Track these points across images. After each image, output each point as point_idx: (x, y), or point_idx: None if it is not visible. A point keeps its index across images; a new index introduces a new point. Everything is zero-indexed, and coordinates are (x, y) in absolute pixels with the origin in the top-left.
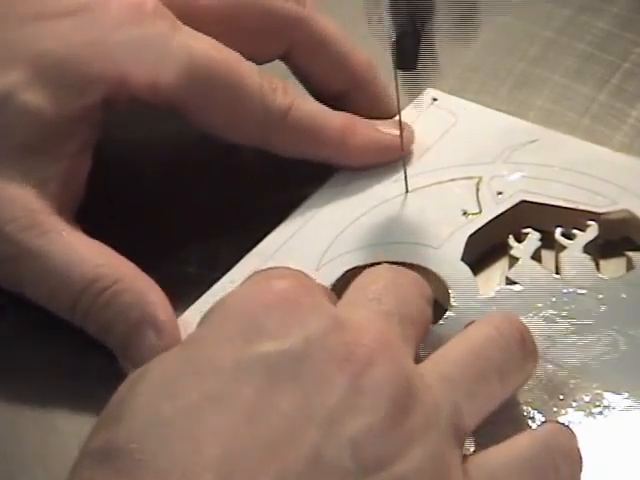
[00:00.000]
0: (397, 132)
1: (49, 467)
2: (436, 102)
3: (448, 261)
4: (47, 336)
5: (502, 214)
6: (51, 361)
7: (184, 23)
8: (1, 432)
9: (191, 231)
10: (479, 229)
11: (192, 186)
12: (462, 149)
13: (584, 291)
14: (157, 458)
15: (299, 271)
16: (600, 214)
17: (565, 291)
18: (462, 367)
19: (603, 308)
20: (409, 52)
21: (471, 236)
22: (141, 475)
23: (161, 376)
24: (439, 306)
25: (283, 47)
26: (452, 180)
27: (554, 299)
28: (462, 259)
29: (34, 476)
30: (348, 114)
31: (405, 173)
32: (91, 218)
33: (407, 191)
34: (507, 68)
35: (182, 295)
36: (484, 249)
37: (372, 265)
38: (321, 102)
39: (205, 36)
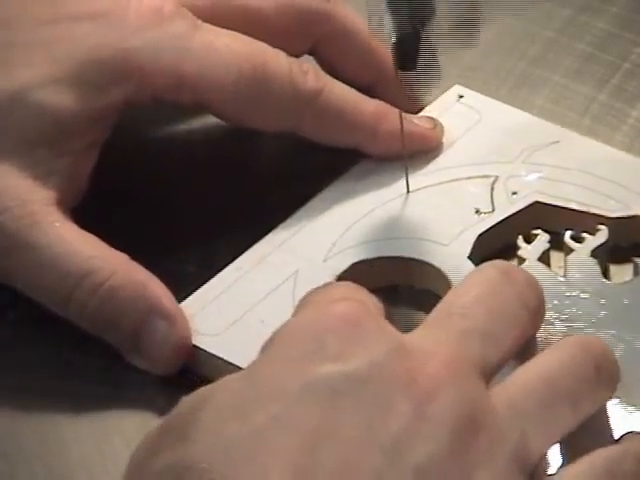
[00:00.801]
0: (429, 125)
1: (49, 467)
2: (462, 99)
3: (455, 259)
4: (47, 336)
5: (514, 214)
6: (51, 361)
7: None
8: (1, 432)
9: (191, 231)
10: (489, 228)
11: (192, 185)
12: (483, 147)
13: (587, 295)
14: (225, 479)
15: (356, 288)
16: (612, 219)
17: (568, 294)
18: (532, 395)
19: (603, 313)
20: (409, 53)
21: (481, 235)
22: None
23: (227, 399)
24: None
25: (309, 43)
26: (469, 178)
27: (556, 302)
28: (470, 258)
29: (34, 476)
30: (381, 102)
31: (406, 173)
32: (91, 217)
33: (408, 191)
34: (507, 68)
35: (182, 295)
36: (494, 249)
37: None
38: None
39: (227, 31)
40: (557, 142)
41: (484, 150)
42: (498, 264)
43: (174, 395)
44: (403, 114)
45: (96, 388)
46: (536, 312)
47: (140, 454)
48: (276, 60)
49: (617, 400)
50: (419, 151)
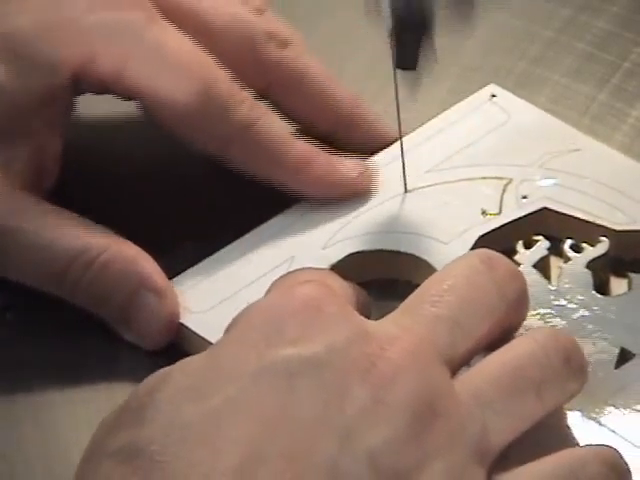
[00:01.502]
0: (356, 173)
1: (49, 467)
2: (494, 98)
3: (451, 258)
4: (47, 336)
5: (520, 219)
6: (51, 361)
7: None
8: (1, 432)
9: (191, 230)
10: (492, 230)
11: (193, 185)
12: (503, 149)
13: (574, 306)
14: (176, 461)
15: (327, 274)
16: (616, 231)
17: (556, 303)
18: (496, 384)
19: (589, 326)
20: (409, 52)
21: (482, 236)
22: (159, 476)
23: (184, 380)
24: None
25: (258, 84)
26: (483, 178)
27: (542, 310)
28: None
29: (34, 476)
30: (313, 146)
31: (404, 174)
32: (90, 217)
33: (406, 191)
34: (507, 68)
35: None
36: (497, 250)
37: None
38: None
39: (183, 35)
40: (578, 150)
41: (504, 152)
42: (481, 252)
43: None
44: (336, 157)
45: (96, 388)
46: (516, 304)
47: (98, 434)
48: (218, 80)
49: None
50: (340, 198)
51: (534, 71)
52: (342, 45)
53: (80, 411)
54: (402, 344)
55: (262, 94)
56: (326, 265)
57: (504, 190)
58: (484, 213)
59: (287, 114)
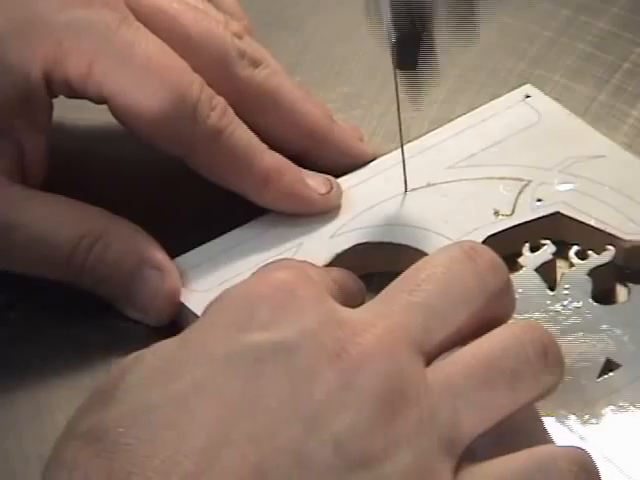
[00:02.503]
0: (324, 190)
1: None
2: (528, 99)
3: None
4: (47, 336)
5: (531, 221)
6: (51, 361)
7: None
8: (1, 431)
9: (190, 229)
10: (501, 231)
11: (192, 183)
12: (528, 150)
13: (568, 312)
14: (141, 444)
15: (306, 263)
16: (624, 241)
17: (551, 309)
18: (469, 374)
19: (579, 334)
20: (409, 52)
21: (490, 236)
22: (122, 459)
23: (153, 363)
24: None
25: (227, 100)
26: (501, 178)
27: (537, 314)
28: None
29: (34, 476)
30: (282, 158)
31: (405, 174)
32: None
33: (406, 190)
34: (507, 68)
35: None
36: (501, 252)
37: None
38: None
39: (155, 38)
40: (603, 156)
41: (528, 153)
42: (465, 243)
43: None
44: (305, 171)
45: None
46: (498, 296)
47: (73, 416)
48: (188, 84)
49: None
50: (305, 214)
51: (534, 71)
52: (342, 45)
53: None
54: (374, 330)
55: (233, 111)
56: (331, 254)
57: (520, 192)
58: (496, 213)
59: (258, 133)
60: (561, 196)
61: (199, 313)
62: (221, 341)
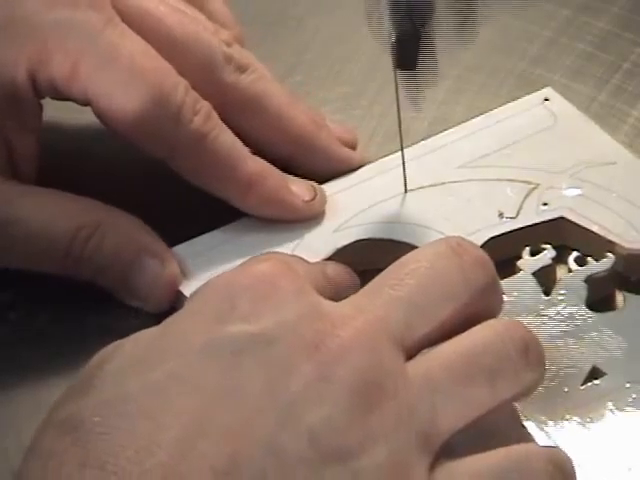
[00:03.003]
0: (308, 197)
1: None
2: (546, 102)
3: None
4: (47, 336)
5: (534, 225)
6: (51, 361)
7: None
8: (1, 431)
9: (188, 225)
10: (503, 234)
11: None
12: (540, 153)
13: (560, 317)
14: (117, 433)
15: (293, 257)
16: (625, 249)
17: (543, 313)
18: (449, 369)
19: (569, 340)
20: (409, 52)
21: (492, 238)
22: (97, 448)
23: (132, 352)
24: None
25: (213, 104)
26: (510, 180)
27: (530, 318)
28: None
29: None
30: (266, 164)
31: (404, 175)
32: None
33: (406, 191)
34: (507, 68)
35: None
36: (503, 254)
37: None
38: None
39: (140, 40)
40: (614, 163)
41: (539, 156)
42: (451, 238)
43: None
44: (289, 177)
45: None
46: (483, 292)
47: (53, 405)
48: (173, 88)
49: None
50: (287, 220)
51: (534, 71)
52: (342, 45)
53: None
54: (354, 323)
55: (219, 116)
56: (332, 248)
57: (528, 195)
58: (501, 215)
59: (243, 138)
60: (567, 201)
61: None
62: (200, 331)
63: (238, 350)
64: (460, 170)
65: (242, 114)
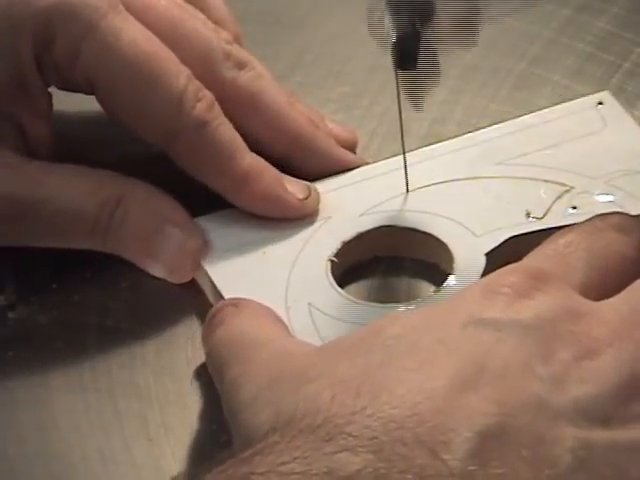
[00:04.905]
0: (302, 196)
1: (49, 467)
2: (599, 106)
3: (476, 251)
4: (47, 336)
5: (558, 227)
6: (51, 361)
7: None
8: (1, 432)
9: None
10: (525, 233)
11: (192, 179)
12: (581, 157)
13: None
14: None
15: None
16: None
17: None
18: None
19: None
20: (409, 52)
21: (513, 237)
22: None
23: (399, 329)
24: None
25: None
26: (545, 181)
27: None
28: (489, 255)
29: (34, 476)
30: (263, 161)
31: (406, 175)
32: None
33: (407, 191)
34: (507, 68)
35: (181, 289)
36: (524, 254)
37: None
38: None
39: (143, 28)
40: None
41: (579, 160)
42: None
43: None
44: (285, 176)
45: (97, 390)
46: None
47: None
48: (175, 73)
49: None
50: (279, 218)
51: (534, 71)
52: (342, 45)
53: (81, 411)
54: (612, 327)
55: None
56: (354, 231)
57: (559, 197)
58: (528, 215)
59: (240, 133)
60: (597, 207)
61: (215, 274)
62: (462, 315)
63: (499, 329)
64: (497, 166)
65: (240, 111)
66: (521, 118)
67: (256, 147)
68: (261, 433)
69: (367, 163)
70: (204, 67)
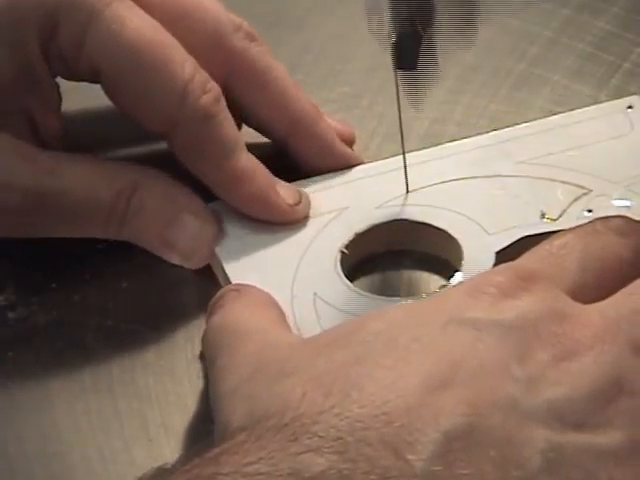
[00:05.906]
0: (292, 201)
1: (49, 467)
2: (629, 110)
3: (487, 249)
4: (47, 336)
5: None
6: (51, 361)
7: None
8: (1, 432)
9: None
10: (537, 234)
11: (192, 178)
12: (604, 160)
13: None
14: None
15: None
16: None
17: None
18: None
19: None
20: (409, 52)
21: (525, 237)
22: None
23: (380, 325)
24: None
25: (221, 73)
26: (563, 182)
27: None
28: (500, 253)
29: (34, 476)
30: (259, 164)
31: (406, 175)
32: None
33: (407, 191)
34: (507, 68)
35: (181, 289)
36: None
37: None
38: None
39: (148, 17)
40: None
41: (601, 163)
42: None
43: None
44: (278, 180)
45: (97, 390)
46: None
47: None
48: (180, 61)
49: None
50: (267, 221)
51: (534, 71)
52: (342, 45)
53: (81, 412)
54: (596, 330)
55: (223, 85)
56: (368, 223)
57: (576, 199)
58: (542, 216)
59: (245, 109)
60: (612, 211)
61: (225, 259)
62: (443, 314)
63: (479, 328)
64: (519, 165)
65: (247, 84)
66: (550, 118)
67: (257, 125)
68: (232, 430)
69: (364, 162)
70: (214, 38)
